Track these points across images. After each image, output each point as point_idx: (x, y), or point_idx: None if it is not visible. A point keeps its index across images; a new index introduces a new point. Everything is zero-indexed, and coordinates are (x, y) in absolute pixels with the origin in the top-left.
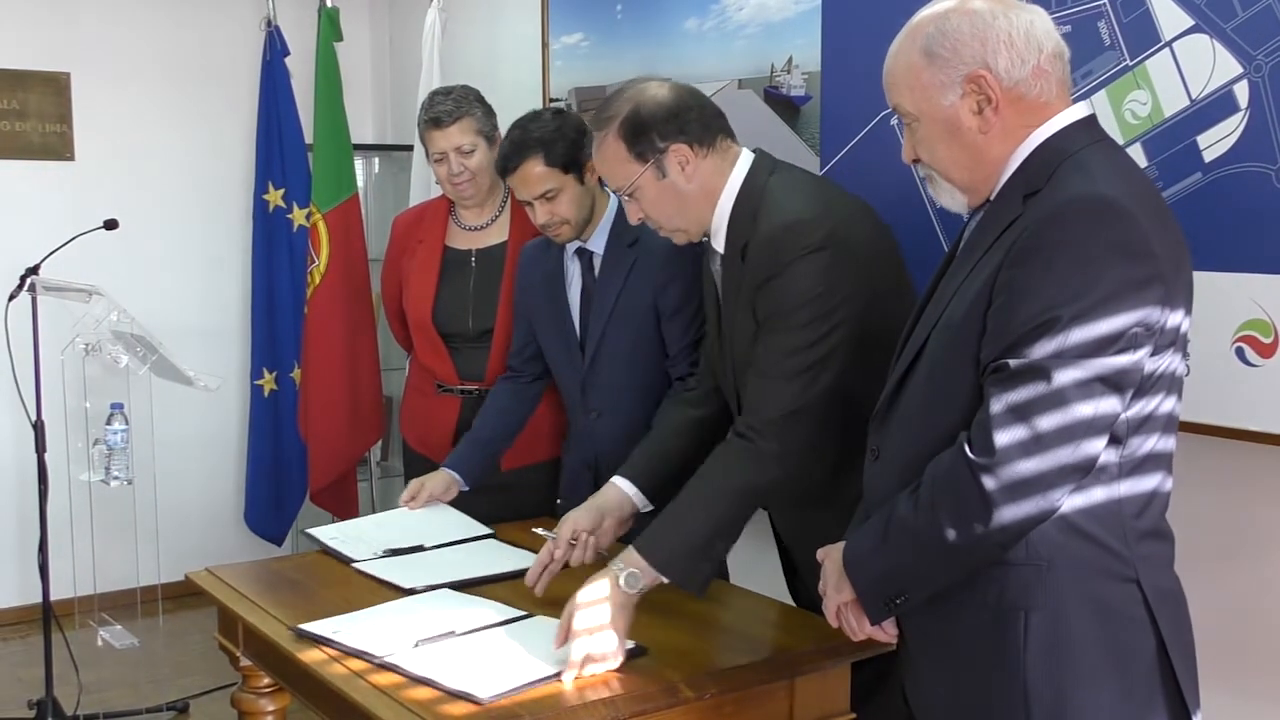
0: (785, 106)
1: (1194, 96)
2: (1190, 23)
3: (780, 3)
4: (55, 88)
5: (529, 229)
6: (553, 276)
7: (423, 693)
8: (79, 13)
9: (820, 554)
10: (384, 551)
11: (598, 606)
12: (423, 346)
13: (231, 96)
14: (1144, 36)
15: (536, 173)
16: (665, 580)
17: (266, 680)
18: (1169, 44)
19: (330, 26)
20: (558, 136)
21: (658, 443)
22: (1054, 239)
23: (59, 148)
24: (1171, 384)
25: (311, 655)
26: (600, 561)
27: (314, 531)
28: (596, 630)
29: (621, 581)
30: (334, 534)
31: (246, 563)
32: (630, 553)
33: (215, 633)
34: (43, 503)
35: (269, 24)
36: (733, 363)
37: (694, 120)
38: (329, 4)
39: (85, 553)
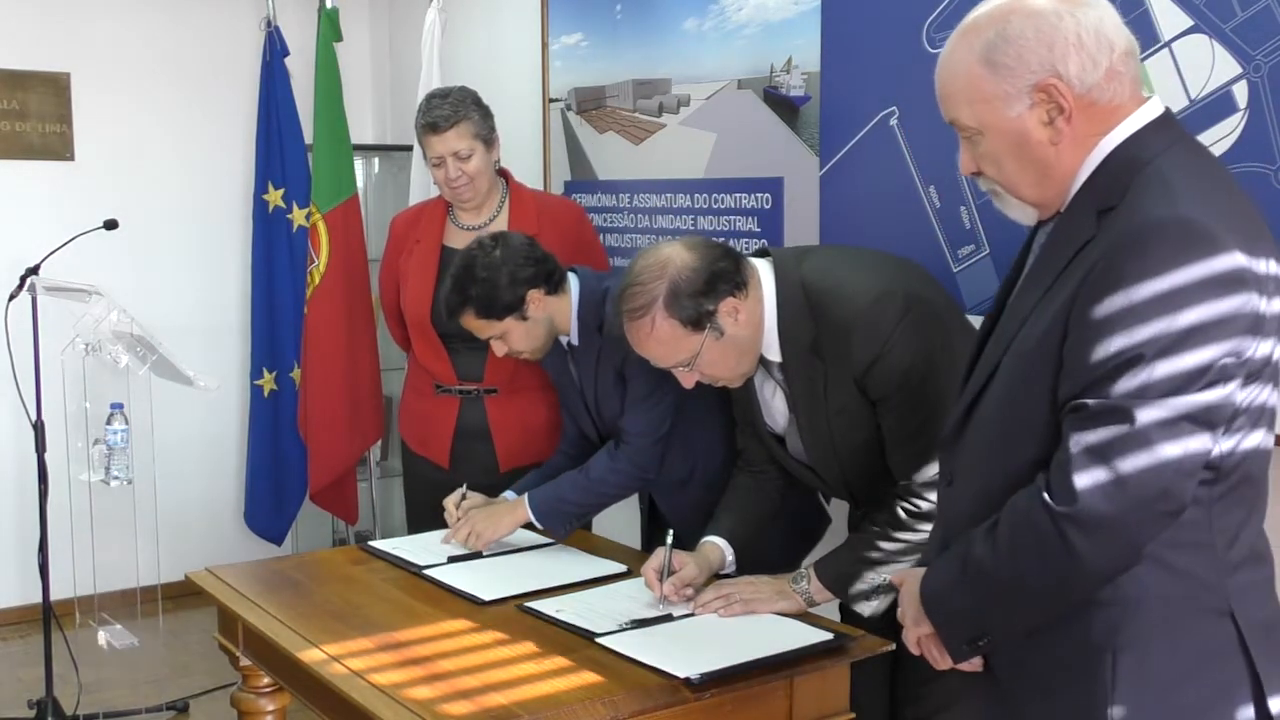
0: (785, 106)
1: (1193, 97)
2: (1189, 23)
3: (780, 3)
4: (55, 88)
5: (527, 229)
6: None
7: (422, 692)
8: (79, 13)
9: (895, 579)
10: (447, 559)
11: (760, 583)
12: (421, 346)
13: (231, 97)
14: (1143, 36)
15: (476, 325)
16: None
17: (266, 680)
18: (1168, 44)
19: (330, 27)
20: (488, 290)
21: (745, 508)
22: (1133, 269)
23: (59, 148)
24: (1261, 415)
25: (311, 655)
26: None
27: (374, 544)
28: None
29: (790, 578)
30: (395, 544)
31: (246, 563)
32: (809, 569)
33: (215, 633)
34: (43, 503)
35: (269, 24)
36: (835, 455)
37: (728, 268)
38: (329, 4)
39: (85, 553)
